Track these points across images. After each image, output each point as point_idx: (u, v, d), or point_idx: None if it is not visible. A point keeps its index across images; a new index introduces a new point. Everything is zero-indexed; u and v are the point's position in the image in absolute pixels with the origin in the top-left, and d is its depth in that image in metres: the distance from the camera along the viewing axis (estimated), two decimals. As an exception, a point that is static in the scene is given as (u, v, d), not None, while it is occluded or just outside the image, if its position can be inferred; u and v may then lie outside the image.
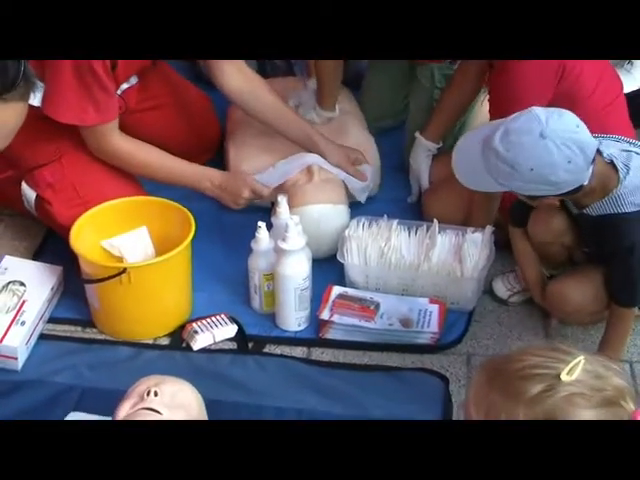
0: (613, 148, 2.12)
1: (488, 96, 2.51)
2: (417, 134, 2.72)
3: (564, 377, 1.30)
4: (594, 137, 2.05)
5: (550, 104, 2.30)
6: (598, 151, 2.06)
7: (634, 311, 2.23)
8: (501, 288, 2.50)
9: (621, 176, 2.08)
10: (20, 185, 2.59)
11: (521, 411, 1.31)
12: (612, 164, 2.09)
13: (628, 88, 2.70)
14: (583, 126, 2.01)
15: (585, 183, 2.04)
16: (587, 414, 1.29)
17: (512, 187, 2.08)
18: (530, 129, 1.99)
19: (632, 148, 2.16)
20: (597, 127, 2.25)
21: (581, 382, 1.31)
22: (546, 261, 2.41)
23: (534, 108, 2.03)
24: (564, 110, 2.03)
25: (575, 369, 1.31)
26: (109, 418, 1.89)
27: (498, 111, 2.31)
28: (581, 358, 1.32)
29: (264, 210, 2.62)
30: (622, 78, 2.56)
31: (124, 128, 2.51)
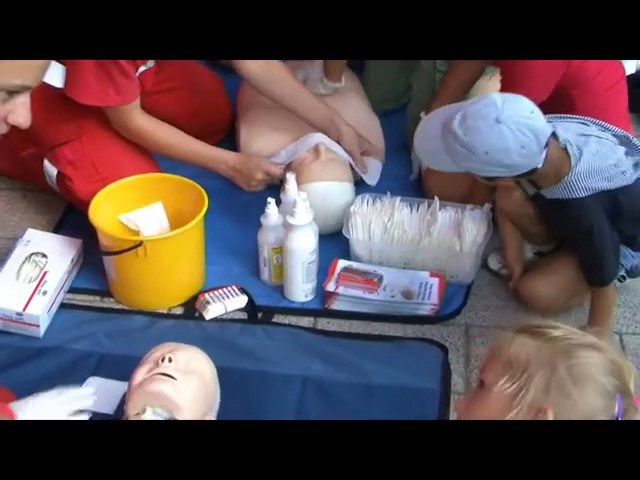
0: (571, 132, 2.14)
1: (500, 77, 2.48)
2: (422, 114, 2.65)
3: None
4: (549, 121, 2.07)
5: (555, 87, 2.33)
6: (554, 135, 2.09)
7: (613, 285, 2.26)
8: (494, 261, 2.54)
9: (573, 162, 2.11)
10: (42, 162, 2.64)
11: (551, 345, 1.43)
12: (565, 150, 2.12)
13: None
14: (538, 112, 2.04)
15: (539, 166, 2.07)
16: (601, 364, 1.42)
17: (470, 168, 2.12)
18: (487, 114, 2.02)
19: (595, 132, 2.17)
20: (598, 110, 2.28)
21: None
22: (525, 235, 2.44)
23: (492, 94, 2.06)
24: (520, 96, 2.05)
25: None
26: (126, 383, 1.94)
27: None
28: None
29: (274, 187, 2.63)
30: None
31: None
